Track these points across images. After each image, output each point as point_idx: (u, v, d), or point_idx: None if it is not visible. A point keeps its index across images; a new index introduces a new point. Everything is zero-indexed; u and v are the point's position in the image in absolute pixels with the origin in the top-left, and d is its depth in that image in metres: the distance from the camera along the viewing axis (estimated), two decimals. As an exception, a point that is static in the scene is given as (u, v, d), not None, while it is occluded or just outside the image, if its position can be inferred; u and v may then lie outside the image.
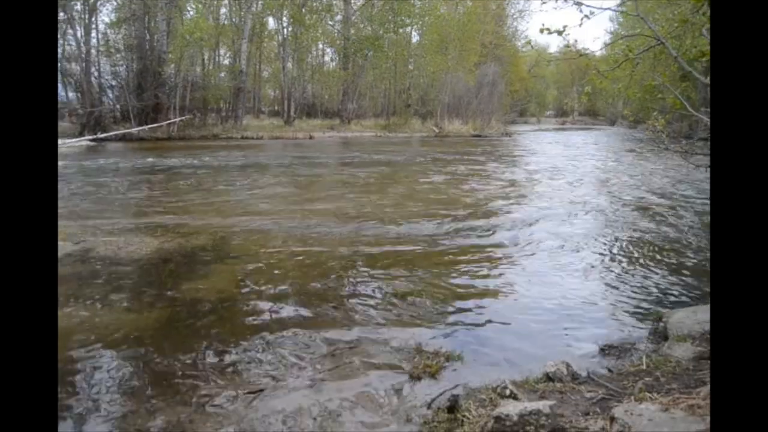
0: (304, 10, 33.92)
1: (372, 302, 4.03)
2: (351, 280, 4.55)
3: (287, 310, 3.83)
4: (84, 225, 6.28)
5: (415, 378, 2.91)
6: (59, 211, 7.55)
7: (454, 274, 4.78)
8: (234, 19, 36.96)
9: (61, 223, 6.32)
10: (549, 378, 2.76)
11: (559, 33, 4.57)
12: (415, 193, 9.56)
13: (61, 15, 31.67)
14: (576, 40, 5.04)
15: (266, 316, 3.71)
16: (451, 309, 3.97)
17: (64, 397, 2.65)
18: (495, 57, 43.54)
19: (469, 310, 3.98)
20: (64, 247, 5.18)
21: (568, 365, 2.85)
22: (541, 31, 4.55)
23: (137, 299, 3.98)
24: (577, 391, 2.59)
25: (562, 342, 3.48)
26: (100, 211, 7.53)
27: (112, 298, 3.95)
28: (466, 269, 4.96)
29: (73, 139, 22.16)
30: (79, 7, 30.02)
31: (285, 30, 37.23)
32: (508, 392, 2.52)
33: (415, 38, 39.53)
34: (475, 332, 3.60)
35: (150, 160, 14.69)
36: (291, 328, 3.50)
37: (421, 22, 37.30)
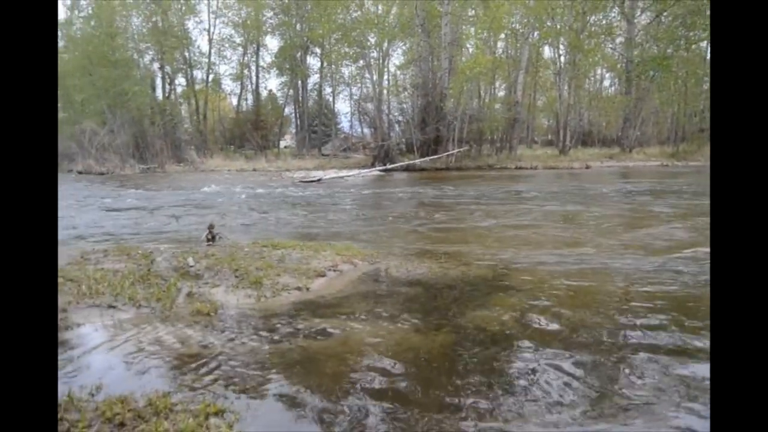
0: (582, 35, 32.85)
1: (660, 353, 3.53)
2: (634, 323, 4.08)
3: (565, 352, 3.57)
4: (378, 247, 6.94)
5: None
6: (356, 235, 8.49)
7: None
8: (510, 51, 37.77)
9: (357, 245, 7.08)
10: None
11: None
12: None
13: (360, 62, 36.38)
14: None
15: (546, 355, 3.52)
16: None
17: (345, 402, 2.85)
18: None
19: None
20: (362, 267, 5.78)
21: None
22: None
23: (425, 321, 4.17)
24: None
25: None
26: (390, 235, 8.26)
27: (403, 318, 4.21)
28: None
29: (366, 170, 25.03)
30: (375, 54, 33.98)
31: (561, 57, 36.64)
32: None
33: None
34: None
35: (431, 189, 15.70)
36: (573, 374, 3.25)
37: (720, 36, 32.88)
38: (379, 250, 6.65)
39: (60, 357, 3.36)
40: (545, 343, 3.71)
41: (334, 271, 5.54)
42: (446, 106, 28.89)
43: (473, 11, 34.52)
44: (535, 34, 34.71)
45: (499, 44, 39.01)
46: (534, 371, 3.29)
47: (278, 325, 4.01)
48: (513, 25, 35.21)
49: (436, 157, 27.09)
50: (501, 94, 38.32)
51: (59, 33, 43.66)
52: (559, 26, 33.81)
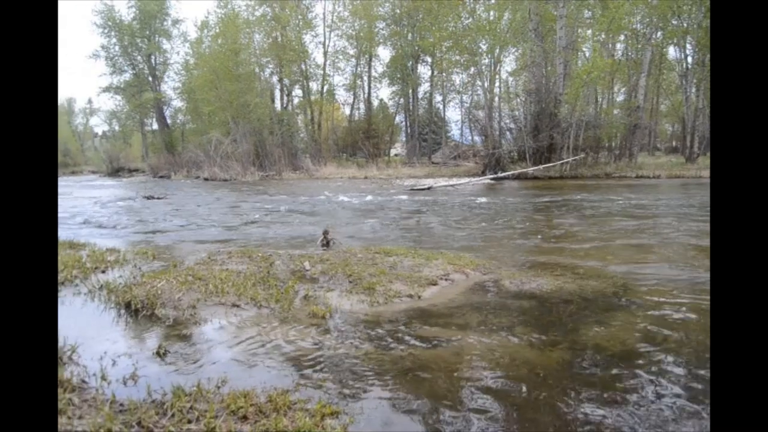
0: (714, 34, 30.38)
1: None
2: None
3: (693, 382, 3.29)
4: (490, 257, 6.81)
5: None
6: (467, 243, 8.40)
7: None
8: (630, 54, 35.82)
9: (467, 253, 7.00)
10: None
11: None
12: None
13: (471, 69, 36.17)
14: None
15: (671, 381, 3.27)
16: None
17: (456, 414, 2.79)
18: None
19: None
20: (474, 277, 5.70)
21: None
22: None
23: (540, 336, 4.02)
24: None
25: None
26: (502, 245, 8.09)
27: (517, 331, 4.10)
28: None
29: (476, 178, 24.76)
30: (486, 61, 33.62)
31: (689, 58, 34.17)
32: None
33: None
34: None
35: (544, 198, 15.21)
36: (699, 401, 2.97)
37: None
38: (492, 261, 6.54)
39: (190, 351, 3.62)
40: (669, 367, 3.45)
41: (446, 280, 5.52)
42: (561, 112, 27.90)
43: (590, 13, 33.16)
44: (659, 34, 32.67)
45: (618, 46, 37.15)
46: (658, 396, 3.07)
47: (391, 332, 4.06)
48: (633, 26, 33.39)
49: (549, 165, 26.22)
50: (620, 98, 36.43)
51: (190, 51, 47.48)
52: (686, 25, 31.58)
